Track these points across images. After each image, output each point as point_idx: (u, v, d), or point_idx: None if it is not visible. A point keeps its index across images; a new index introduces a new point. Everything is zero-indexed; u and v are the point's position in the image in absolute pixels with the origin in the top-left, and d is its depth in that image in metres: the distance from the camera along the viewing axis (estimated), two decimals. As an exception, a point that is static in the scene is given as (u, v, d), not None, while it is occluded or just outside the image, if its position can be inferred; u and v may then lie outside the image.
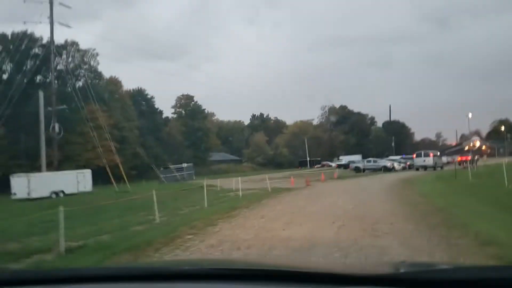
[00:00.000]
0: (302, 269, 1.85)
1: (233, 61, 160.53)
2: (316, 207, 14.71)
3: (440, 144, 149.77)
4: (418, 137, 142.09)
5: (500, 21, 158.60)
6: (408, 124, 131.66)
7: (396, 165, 49.61)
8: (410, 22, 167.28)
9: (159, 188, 26.02)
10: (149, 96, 71.46)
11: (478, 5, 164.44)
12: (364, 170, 48.89)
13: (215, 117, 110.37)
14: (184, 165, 45.49)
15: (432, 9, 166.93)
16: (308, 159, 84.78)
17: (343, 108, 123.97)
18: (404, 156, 63.48)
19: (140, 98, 70.41)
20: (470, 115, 59.43)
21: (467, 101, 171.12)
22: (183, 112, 77.79)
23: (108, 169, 41.89)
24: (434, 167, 43.67)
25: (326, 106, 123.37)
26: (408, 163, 54.20)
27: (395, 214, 11.89)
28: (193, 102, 77.41)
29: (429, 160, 44.33)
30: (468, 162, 42.22)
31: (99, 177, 40.15)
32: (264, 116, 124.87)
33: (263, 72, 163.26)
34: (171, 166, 45.32)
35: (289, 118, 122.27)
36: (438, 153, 50.99)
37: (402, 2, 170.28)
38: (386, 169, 47.13)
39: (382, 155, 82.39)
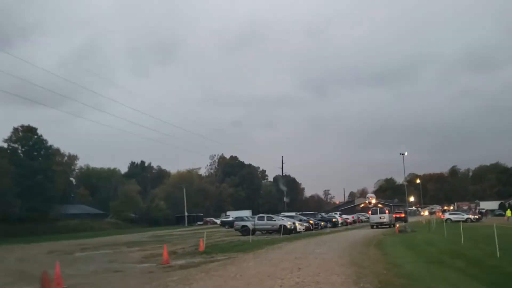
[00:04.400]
0: None
1: (117, 110, 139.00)
2: None
3: (328, 201, 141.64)
4: (307, 193, 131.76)
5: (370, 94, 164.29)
6: (299, 180, 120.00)
7: (298, 224, 33.47)
8: (294, 88, 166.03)
9: None
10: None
11: (350, 79, 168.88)
12: (254, 231, 32.04)
13: (79, 162, 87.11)
14: None
15: (312, 79, 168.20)
16: (186, 214, 65.72)
17: (234, 159, 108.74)
18: (303, 212, 48.19)
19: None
20: (406, 153, 45.70)
21: (351, 161, 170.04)
22: (20, 148, 54.93)
23: None
24: (389, 225, 37.82)
25: (215, 155, 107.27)
26: (311, 221, 38.59)
27: None
28: (36, 136, 55.07)
29: (385, 217, 38.17)
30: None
31: None
32: (146, 164, 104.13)
33: (150, 122, 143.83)
34: None
35: (175, 168, 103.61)
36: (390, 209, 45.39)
37: (287, 70, 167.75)
38: (286, 230, 30.77)
39: (273, 211, 67.36)
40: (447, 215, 46.33)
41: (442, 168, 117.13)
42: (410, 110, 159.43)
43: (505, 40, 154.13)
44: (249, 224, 32.45)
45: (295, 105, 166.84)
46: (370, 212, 41.48)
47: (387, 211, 39.50)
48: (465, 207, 79.31)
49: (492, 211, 67.03)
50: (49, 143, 57.83)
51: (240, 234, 32.14)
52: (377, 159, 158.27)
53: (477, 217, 48.06)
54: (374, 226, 37.46)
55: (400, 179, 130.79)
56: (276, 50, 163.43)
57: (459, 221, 43.64)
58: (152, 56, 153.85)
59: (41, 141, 55.62)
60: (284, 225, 31.20)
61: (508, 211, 47.27)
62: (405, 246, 15.78)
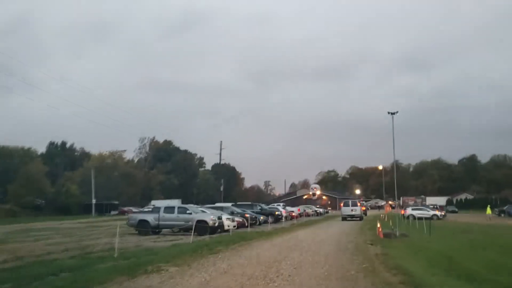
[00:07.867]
0: None
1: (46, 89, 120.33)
2: None
3: (269, 192, 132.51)
4: (247, 184, 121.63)
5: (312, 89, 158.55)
6: (239, 169, 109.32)
7: (225, 219, 22.29)
8: (236, 78, 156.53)
9: None
10: None
11: (293, 73, 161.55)
12: (159, 230, 20.66)
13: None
14: None
15: (254, 70, 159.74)
16: (93, 202, 52.43)
17: (168, 143, 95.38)
18: (238, 203, 37.12)
19: None
20: (397, 112, 35.16)
21: (293, 153, 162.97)
22: None
23: None
24: (360, 217, 36.35)
25: (146, 138, 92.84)
26: (246, 214, 27.58)
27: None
28: None
29: (357, 210, 36.96)
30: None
31: None
32: (67, 145, 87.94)
33: (79, 99, 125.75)
34: None
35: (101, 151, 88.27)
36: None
37: (230, 60, 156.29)
38: (205, 229, 19.55)
39: (210, 201, 56.26)
40: (409, 211, 37.51)
41: (383, 162, 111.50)
42: (351, 105, 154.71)
43: (438, 43, 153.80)
44: (150, 218, 20.80)
45: (237, 95, 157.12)
46: (342, 204, 40.57)
47: (358, 204, 38.65)
48: (411, 202, 72.83)
49: (444, 207, 60.23)
50: None
51: (138, 232, 20.55)
52: (319, 152, 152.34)
53: (443, 213, 40.00)
54: (347, 219, 36.61)
55: (342, 172, 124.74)
56: (218, 39, 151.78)
57: (423, 218, 35.19)
58: (87, 36, 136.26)
59: None
60: (203, 220, 19.96)
61: (488, 209, 39.84)
62: None
